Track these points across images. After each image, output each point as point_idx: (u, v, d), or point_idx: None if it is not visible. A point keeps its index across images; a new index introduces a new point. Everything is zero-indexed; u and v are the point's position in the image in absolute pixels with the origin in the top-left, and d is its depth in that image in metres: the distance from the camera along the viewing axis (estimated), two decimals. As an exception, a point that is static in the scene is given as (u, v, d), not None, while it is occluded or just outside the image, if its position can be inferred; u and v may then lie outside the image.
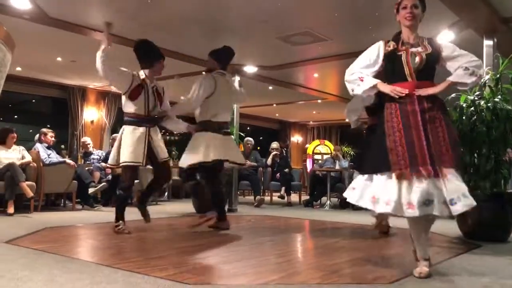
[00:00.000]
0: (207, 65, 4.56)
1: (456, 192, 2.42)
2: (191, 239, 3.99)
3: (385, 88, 2.68)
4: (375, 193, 2.56)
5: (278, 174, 8.75)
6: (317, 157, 13.99)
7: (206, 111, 4.32)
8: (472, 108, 4.18)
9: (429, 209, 2.39)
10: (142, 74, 4.20)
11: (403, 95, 2.60)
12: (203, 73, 4.59)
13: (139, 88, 4.10)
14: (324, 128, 15.44)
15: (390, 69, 2.76)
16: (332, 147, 12.84)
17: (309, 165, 12.84)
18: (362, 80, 2.75)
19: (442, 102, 2.69)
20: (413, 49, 2.70)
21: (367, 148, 2.89)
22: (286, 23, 5.41)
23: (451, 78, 2.69)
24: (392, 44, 2.75)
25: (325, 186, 8.08)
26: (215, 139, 4.25)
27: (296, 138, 15.49)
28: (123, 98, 4.17)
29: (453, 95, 4.31)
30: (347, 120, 4.39)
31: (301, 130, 15.69)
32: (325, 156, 13.08)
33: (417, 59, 2.67)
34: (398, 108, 2.63)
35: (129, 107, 4.13)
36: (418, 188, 2.41)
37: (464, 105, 4.24)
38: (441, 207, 2.39)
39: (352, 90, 2.81)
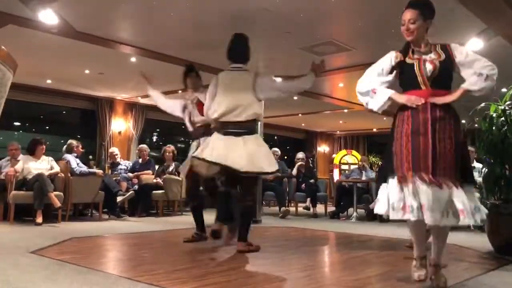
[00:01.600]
0: None
1: (463, 204, 2.40)
2: (214, 251, 3.97)
3: (401, 98, 2.64)
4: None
5: (303, 185, 8.67)
6: (344, 167, 13.81)
7: (212, 111, 3.98)
8: (503, 118, 4.04)
9: (422, 215, 2.41)
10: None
11: (420, 104, 2.55)
12: None
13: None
14: (351, 138, 15.26)
15: (403, 78, 2.72)
16: (359, 157, 12.66)
17: (336, 175, 12.69)
18: (375, 93, 2.72)
19: (455, 112, 2.61)
20: (426, 57, 2.64)
21: (383, 158, 2.88)
22: (309, 33, 5.38)
23: (465, 85, 2.60)
24: (399, 56, 2.71)
25: (352, 197, 7.95)
26: (217, 140, 3.84)
27: (323, 148, 15.36)
28: None
29: (482, 104, 4.19)
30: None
31: (327, 140, 15.55)
32: (352, 167, 12.91)
33: (431, 66, 2.60)
34: (410, 115, 2.60)
35: None
36: (419, 192, 2.42)
37: (494, 115, 4.11)
38: (437, 215, 2.39)
39: (367, 104, 2.79)
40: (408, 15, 2.66)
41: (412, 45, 2.71)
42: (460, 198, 2.41)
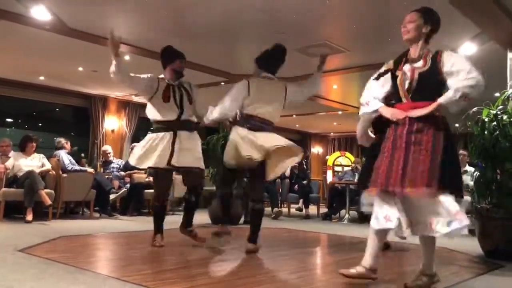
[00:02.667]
0: None
1: (435, 215, 2.45)
2: (204, 252, 3.95)
3: (386, 112, 2.68)
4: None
5: (296, 186, 8.66)
6: (337, 169, 13.83)
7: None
8: (495, 123, 4.05)
9: (389, 225, 2.52)
10: None
11: (401, 118, 2.58)
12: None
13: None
14: (345, 140, 15.28)
15: (393, 91, 2.73)
16: (353, 159, 12.68)
17: (329, 177, 12.69)
18: (368, 104, 2.77)
19: (438, 121, 2.55)
20: (413, 65, 2.63)
21: (364, 166, 2.96)
22: (303, 34, 5.38)
23: (440, 100, 2.52)
24: (390, 65, 2.74)
25: (344, 199, 7.95)
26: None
27: (317, 149, 15.37)
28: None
29: (474, 109, 4.19)
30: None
31: (321, 141, 15.57)
32: (345, 168, 12.92)
33: (408, 79, 2.61)
34: (393, 129, 2.64)
35: None
36: (386, 205, 2.53)
37: (486, 119, 4.11)
38: (400, 229, 2.49)
39: (360, 112, 2.89)
40: (409, 15, 2.69)
41: (411, 51, 2.70)
42: (432, 208, 2.46)
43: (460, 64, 2.52)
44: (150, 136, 4.01)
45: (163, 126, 3.98)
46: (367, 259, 2.68)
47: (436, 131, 2.52)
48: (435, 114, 2.53)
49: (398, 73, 2.67)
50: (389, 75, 2.72)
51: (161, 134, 3.94)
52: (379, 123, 3.05)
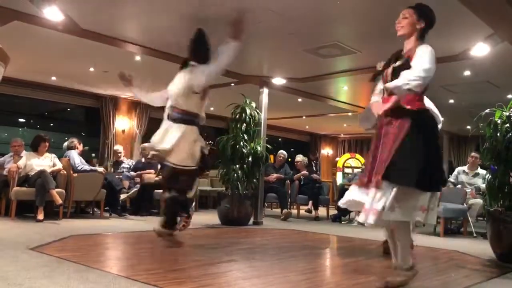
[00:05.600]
0: None
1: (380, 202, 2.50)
2: (213, 252, 3.95)
3: (373, 108, 2.79)
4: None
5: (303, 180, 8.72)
6: (347, 170, 13.77)
7: None
8: (507, 125, 4.00)
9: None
10: None
11: (380, 113, 2.69)
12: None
13: None
14: (355, 141, 15.20)
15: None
16: (363, 161, 12.61)
17: (339, 178, 12.64)
18: (371, 102, 2.90)
19: (405, 112, 2.59)
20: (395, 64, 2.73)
21: None
22: (313, 35, 5.35)
23: (388, 84, 2.63)
24: (380, 65, 2.88)
25: (354, 201, 7.89)
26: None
27: (327, 150, 15.31)
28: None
29: (487, 110, 4.15)
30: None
31: (331, 143, 15.51)
32: (355, 170, 12.86)
33: (386, 74, 2.73)
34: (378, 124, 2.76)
35: None
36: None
37: (499, 121, 4.07)
38: (363, 215, 2.55)
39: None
40: (404, 11, 2.75)
41: (405, 47, 2.76)
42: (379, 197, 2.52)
43: (417, 60, 2.56)
44: None
45: None
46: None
47: (402, 121, 2.58)
48: (404, 106, 2.59)
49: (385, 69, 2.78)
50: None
51: None
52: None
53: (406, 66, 2.59)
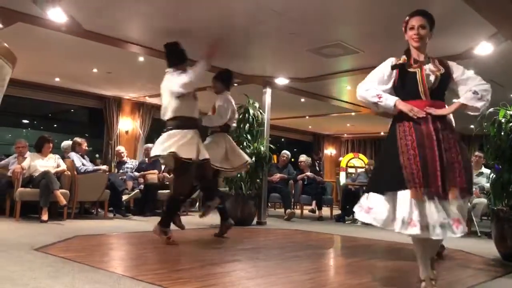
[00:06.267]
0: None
1: (459, 215, 2.41)
2: (217, 252, 3.96)
3: (404, 107, 2.58)
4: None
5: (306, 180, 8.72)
6: (350, 170, 13.76)
7: None
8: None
9: (427, 233, 2.37)
10: None
11: (421, 116, 2.53)
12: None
13: None
14: (359, 141, 15.18)
15: (402, 86, 2.68)
16: (366, 160, 12.60)
17: (342, 178, 12.62)
18: (380, 98, 2.65)
19: (452, 123, 2.68)
20: (425, 67, 2.64)
21: (381, 167, 2.76)
22: (316, 35, 5.35)
23: (461, 100, 2.63)
24: (403, 58, 2.70)
25: (358, 200, 7.88)
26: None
27: (330, 150, 15.30)
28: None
29: (491, 109, 4.14)
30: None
31: (334, 143, 15.49)
32: (359, 170, 12.84)
33: (433, 77, 2.61)
34: (412, 127, 2.55)
35: None
36: (426, 208, 2.39)
37: (503, 120, 4.06)
38: (440, 230, 2.35)
39: (377, 107, 2.72)
40: (419, 20, 2.66)
41: (413, 53, 2.69)
42: (460, 209, 2.43)
43: (469, 73, 2.70)
44: None
45: None
46: (423, 272, 2.57)
47: (454, 133, 2.57)
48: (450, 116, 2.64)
49: (415, 70, 2.63)
50: (396, 70, 2.69)
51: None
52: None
53: (448, 75, 2.66)
